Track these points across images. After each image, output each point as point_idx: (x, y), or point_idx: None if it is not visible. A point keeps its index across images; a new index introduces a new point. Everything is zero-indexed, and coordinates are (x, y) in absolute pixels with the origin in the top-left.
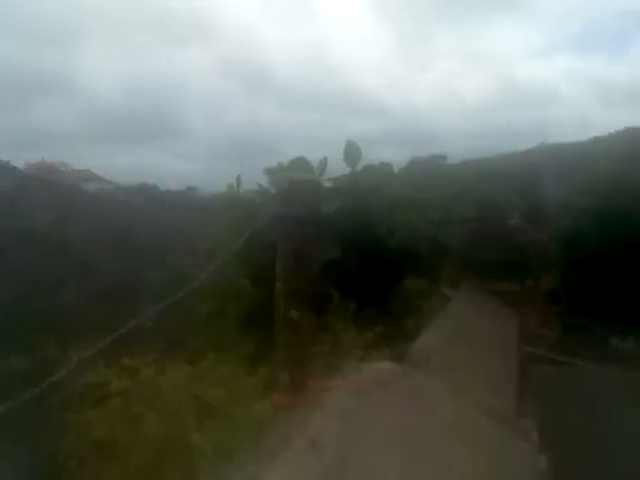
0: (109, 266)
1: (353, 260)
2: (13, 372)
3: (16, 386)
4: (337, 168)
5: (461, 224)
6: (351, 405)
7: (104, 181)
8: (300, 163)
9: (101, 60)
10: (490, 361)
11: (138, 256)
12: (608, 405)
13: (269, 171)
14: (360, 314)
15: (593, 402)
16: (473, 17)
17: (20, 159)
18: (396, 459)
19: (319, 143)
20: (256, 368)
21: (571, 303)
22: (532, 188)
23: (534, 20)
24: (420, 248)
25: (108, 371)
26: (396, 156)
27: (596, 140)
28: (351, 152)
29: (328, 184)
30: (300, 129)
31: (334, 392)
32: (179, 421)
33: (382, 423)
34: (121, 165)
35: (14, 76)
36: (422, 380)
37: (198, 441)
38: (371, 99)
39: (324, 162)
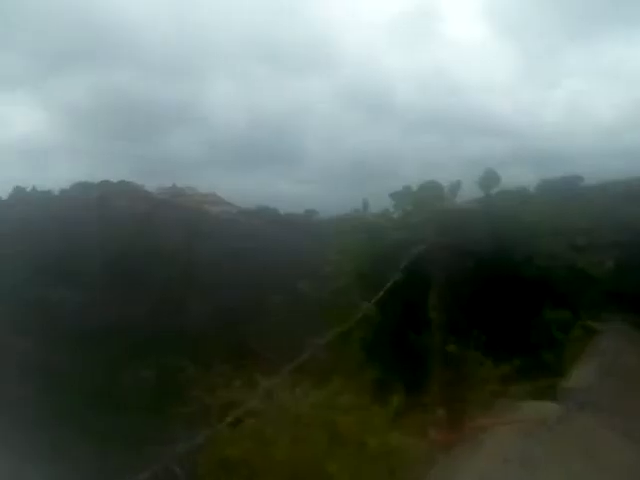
0: (232, 286)
1: (487, 288)
2: (145, 384)
3: (146, 398)
4: (466, 191)
5: (604, 251)
6: (515, 447)
7: (228, 204)
8: (431, 187)
9: (226, 91)
10: None
11: (259, 278)
12: None
13: (395, 195)
14: (496, 345)
15: None
16: (603, 33)
17: (154, 184)
18: None
19: (440, 165)
20: (384, 396)
21: None
22: None
23: None
24: (561, 276)
25: (241, 390)
26: (523, 176)
27: None
28: (488, 178)
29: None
30: (419, 151)
31: (494, 432)
32: (311, 447)
33: (551, 469)
34: (243, 189)
35: (150, 108)
36: (586, 422)
37: (333, 470)
38: (495, 118)
39: (457, 186)
